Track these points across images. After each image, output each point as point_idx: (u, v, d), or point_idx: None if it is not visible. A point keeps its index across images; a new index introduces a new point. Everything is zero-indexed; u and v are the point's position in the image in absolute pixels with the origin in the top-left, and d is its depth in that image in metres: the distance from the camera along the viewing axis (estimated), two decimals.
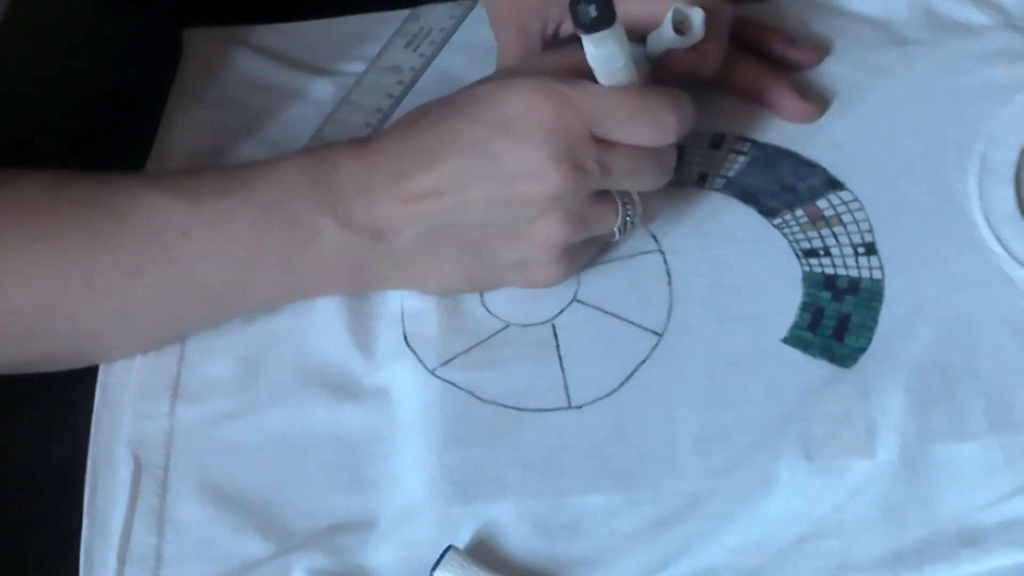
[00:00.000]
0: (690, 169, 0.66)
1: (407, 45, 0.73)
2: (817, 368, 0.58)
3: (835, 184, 0.64)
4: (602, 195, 0.59)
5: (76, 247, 0.57)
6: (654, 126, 0.57)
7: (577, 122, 0.56)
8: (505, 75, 0.59)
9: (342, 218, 0.58)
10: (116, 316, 0.59)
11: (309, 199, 0.58)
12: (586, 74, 0.57)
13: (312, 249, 0.58)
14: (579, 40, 0.56)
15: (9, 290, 0.57)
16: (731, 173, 0.65)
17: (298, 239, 0.58)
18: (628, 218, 0.60)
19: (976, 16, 0.70)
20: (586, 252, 0.61)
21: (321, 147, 0.61)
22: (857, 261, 0.62)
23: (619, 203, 0.60)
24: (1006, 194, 0.62)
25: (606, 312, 0.61)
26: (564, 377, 0.59)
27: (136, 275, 0.58)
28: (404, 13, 0.74)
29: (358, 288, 0.61)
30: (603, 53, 0.56)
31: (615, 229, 0.60)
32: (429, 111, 0.59)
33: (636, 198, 0.60)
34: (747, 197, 0.64)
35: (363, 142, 0.59)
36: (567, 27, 0.68)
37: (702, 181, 0.65)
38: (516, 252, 0.59)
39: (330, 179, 0.58)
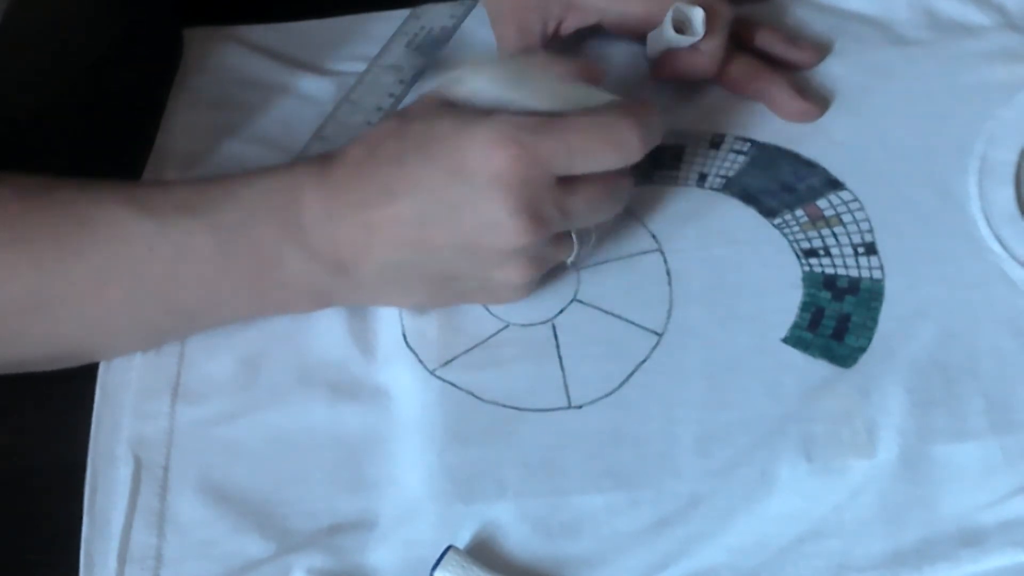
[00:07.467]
0: (690, 169, 0.66)
1: (408, 44, 0.73)
2: (817, 368, 0.58)
3: (835, 184, 0.64)
4: (560, 233, 0.59)
5: (49, 253, 0.57)
6: (617, 149, 0.57)
7: (537, 172, 0.55)
8: (464, 115, 0.56)
9: (305, 247, 0.57)
10: (94, 322, 0.59)
11: (273, 226, 0.57)
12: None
13: (276, 276, 0.58)
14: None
15: None
16: (731, 173, 0.65)
17: (262, 266, 0.58)
18: (583, 247, 0.60)
19: (976, 16, 0.70)
20: (546, 270, 0.61)
21: (286, 169, 0.59)
22: (857, 261, 0.62)
23: (575, 237, 0.59)
24: (1006, 194, 0.62)
25: (606, 312, 0.61)
26: (564, 377, 0.59)
27: (107, 284, 0.57)
28: (404, 13, 0.74)
29: (327, 307, 0.61)
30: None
31: (569, 260, 0.60)
32: (387, 140, 0.57)
33: (591, 227, 0.60)
34: (747, 197, 0.64)
35: (326, 167, 0.58)
36: (567, 25, 0.68)
37: (702, 181, 0.65)
38: (479, 283, 0.59)
39: (293, 206, 0.57)
